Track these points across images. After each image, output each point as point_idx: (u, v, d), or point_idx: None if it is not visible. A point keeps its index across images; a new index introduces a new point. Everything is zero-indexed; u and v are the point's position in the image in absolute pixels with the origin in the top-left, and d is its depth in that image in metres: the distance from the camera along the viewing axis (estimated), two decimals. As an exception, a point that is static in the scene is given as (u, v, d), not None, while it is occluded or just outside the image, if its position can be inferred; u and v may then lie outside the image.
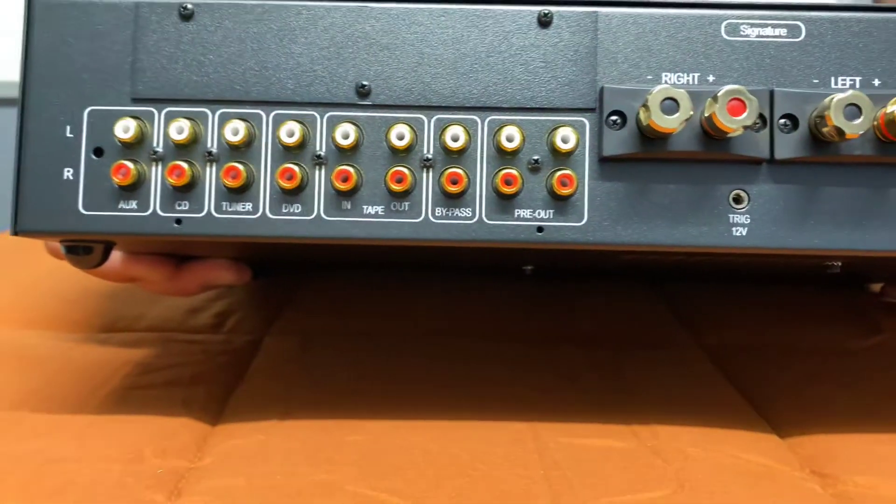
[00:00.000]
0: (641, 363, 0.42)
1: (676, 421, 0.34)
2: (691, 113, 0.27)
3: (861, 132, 0.26)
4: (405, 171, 0.28)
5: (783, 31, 0.29)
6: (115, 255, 0.39)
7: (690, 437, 0.33)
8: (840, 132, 0.26)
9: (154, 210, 0.29)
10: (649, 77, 0.29)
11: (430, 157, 0.29)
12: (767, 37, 0.29)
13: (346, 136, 0.28)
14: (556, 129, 0.29)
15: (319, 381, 0.39)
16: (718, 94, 0.26)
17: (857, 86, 0.29)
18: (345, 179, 0.28)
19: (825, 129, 0.27)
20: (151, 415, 0.35)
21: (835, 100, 0.26)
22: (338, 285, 0.52)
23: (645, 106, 0.27)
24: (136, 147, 0.29)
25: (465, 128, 0.29)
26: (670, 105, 0.26)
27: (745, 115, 0.26)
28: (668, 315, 0.50)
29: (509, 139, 0.28)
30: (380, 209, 0.29)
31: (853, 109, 0.26)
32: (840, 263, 0.33)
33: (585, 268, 0.47)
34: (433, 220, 0.29)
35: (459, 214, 0.29)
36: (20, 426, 0.34)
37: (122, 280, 0.40)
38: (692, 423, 0.34)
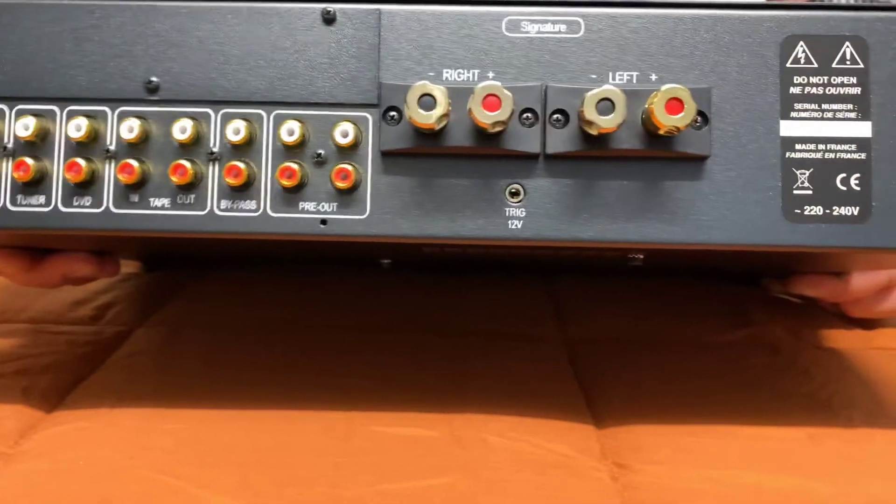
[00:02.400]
0: (494, 355, 0.42)
1: (497, 410, 0.35)
2: (449, 108, 0.27)
3: (615, 126, 0.27)
4: (186, 164, 0.29)
5: (563, 27, 0.29)
6: (-27, 249, 0.40)
7: (499, 426, 0.34)
8: (594, 125, 0.27)
9: (-51, 202, 0.30)
10: (431, 74, 0.29)
11: (215, 150, 0.29)
12: (547, 33, 0.29)
13: (130, 130, 0.29)
14: (337, 123, 0.29)
15: (166, 372, 0.40)
16: (475, 90, 0.27)
17: (635, 81, 0.29)
18: (129, 172, 0.29)
19: (583, 124, 0.27)
20: (-12, 401, 0.36)
21: (588, 95, 0.27)
22: (228, 280, 0.53)
23: (406, 102, 0.27)
24: (-64, 141, 0.30)
25: (249, 122, 0.29)
26: (428, 101, 0.27)
27: (499, 111, 0.27)
28: (549, 309, 0.50)
29: (290, 133, 0.29)
30: (166, 202, 0.30)
31: (606, 104, 0.27)
32: (641, 256, 0.33)
33: (465, 261, 0.48)
34: (218, 212, 0.29)
35: (244, 207, 0.29)
36: None
37: (-17, 272, 0.41)
38: (511, 412, 0.35)
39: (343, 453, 0.32)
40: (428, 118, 0.27)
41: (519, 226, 0.29)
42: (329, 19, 0.30)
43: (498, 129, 0.27)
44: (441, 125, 0.27)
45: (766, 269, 0.49)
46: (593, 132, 0.27)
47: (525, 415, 0.35)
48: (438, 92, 0.27)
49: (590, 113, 0.27)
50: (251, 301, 0.50)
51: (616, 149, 0.28)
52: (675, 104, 0.27)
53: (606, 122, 0.27)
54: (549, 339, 0.46)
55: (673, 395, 0.38)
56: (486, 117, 0.27)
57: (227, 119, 0.29)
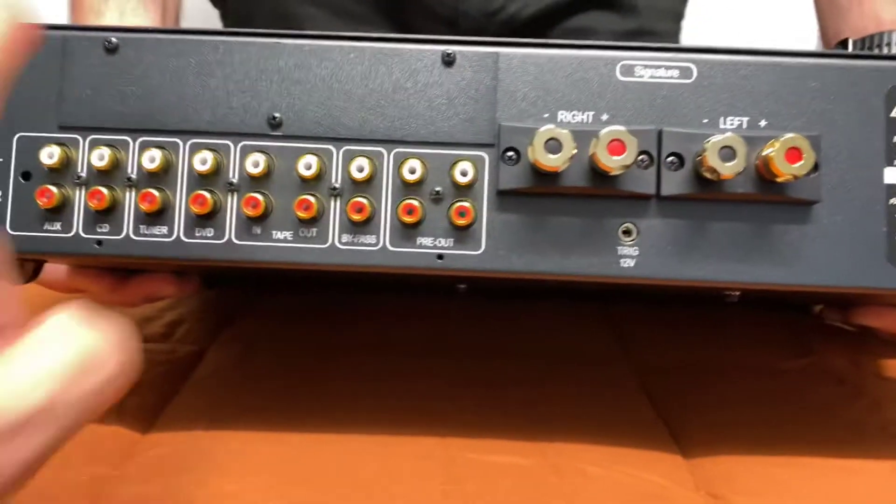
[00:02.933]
0: (568, 380, 0.43)
1: (585, 439, 0.36)
2: (574, 152, 0.28)
3: (735, 173, 0.28)
4: (311, 199, 0.30)
5: (675, 73, 0.30)
6: (62, 268, 0.41)
7: (593, 456, 0.35)
8: (716, 172, 0.28)
9: (77, 232, 0.30)
10: (546, 115, 0.30)
11: (337, 186, 0.30)
12: (660, 78, 0.30)
13: (256, 165, 0.30)
14: (456, 162, 0.30)
15: (251, 392, 0.41)
16: (600, 134, 0.28)
17: (745, 126, 0.30)
18: (254, 206, 0.30)
19: (703, 169, 0.28)
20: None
21: (711, 142, 0.28)
22: (289, 298, 0.54)
23: (531, 144, 0.28)
24: (61, 172, 0.31)
25: (370, 159, 0.30)
26: (554, 145, 0.28)
27: (624, 155, 0.28)
28: (609, 335, 0.51)
29: (411, 171, 0.30)
30: (288, 234, 0.30)
31: (728, 152, 0.28)
32: (738, 293, 0.34)
33: (529, 288, 0.49)
34: (339, 245, 0.30)
35: (364, 241, 0.30)
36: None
37: (67, 291, 0.42)
38: (600, 441, 0.36)
39: (447, 480, 0.32)
40: (554, 161, 0.28)
41: (631, 264, 0.30)
42: (449, 61, 0.31)
43: (620, 172, 0.28)
44: (564, 167, 0.28)
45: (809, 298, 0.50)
46: (713, 178, 0.28)
47: (613, 443, 0.36)
48: (564, 136, 0.28)
49: (712, 160, 0.28)
50: (318, 322, 0.51)
51: (730, 192, 0.29)
52: (794, 153, 0.28)
53: (728, 170, 0.28)
54: (617, 365, 0.46)
55: (751, 425, 0.39)
56: (611, 161, 0.28)
57: (349, 156, 0.30)
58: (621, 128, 0.28)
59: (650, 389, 0.43)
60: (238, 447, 0.35)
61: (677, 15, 0.76)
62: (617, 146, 0.28)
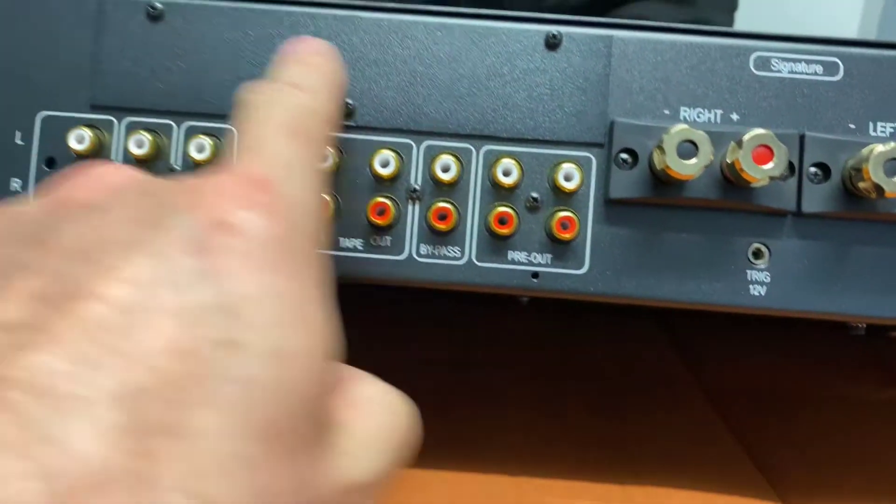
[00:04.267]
0: (640, 407, 0.39)
1: (673, 481, 0.32)
2: (712, 158, 0.23)
3: (902, 190, 0.23)
4: (387, 202, 0.25)
5: (819, 69, 0.26)
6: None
7: (683, 500, 0.30)
8: (879, 189, 0.23)
9: (108, 230, 0.26)
10: (666, 111, 0.26)
11: (417, 187, 0.26)
12: (801, 73, 0.26)
13: (323, 160, 0.25)
14: (559, 164, 0.26)
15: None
16: (744, 139, 0.23)
17: (900, 133, 0.26)
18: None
19: (861, 184, 0.24)
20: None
21: (875, 152, 0.23)
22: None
23: (660, 147, 0.24)
24: (92, 158, 0.26)
25: (457, 157, 0.26)
26: (689, 148, 0.23)
27: (771, 164, 0.23)
28: (673, 353, 0.47)
29: (506, 173, 0.25)
30: (358, 243, 0.26)
31: (894, 164, 0.23)
32: (864, 325, 0.30)
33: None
34: (417, 258, 0.26)
35: (447, 254, 0.26)
36: None
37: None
38: (691, 486, 0.32)
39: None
40: (689, 169, 0.23)
41: (762, 292, 0.25)
42: (554, 44, 0.26)
43: (764, 183, 0.24)
44: (698, 175, 0.24)
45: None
46: (871, 195, 0.24)
47: (702, 485, 0.32)
48: (702, 139, 0.23)
49: (876, 174, 0.23)
50: (377, 332, 0.46)
51: (886, 213, 0.25)
52: (973, 169, 0.23)
53: (894, 186, 0.23)
54: (687, 386, 0.42)
55: (854, 465, 0.34)
56: (757, 172, 0.23)
57: (432, 153, 0.26)
58: (768, 132, 0.23)
59: (727, 415, 0.39)
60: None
61: (732, 4, 0.71)
62: (763, 153, 0.23)
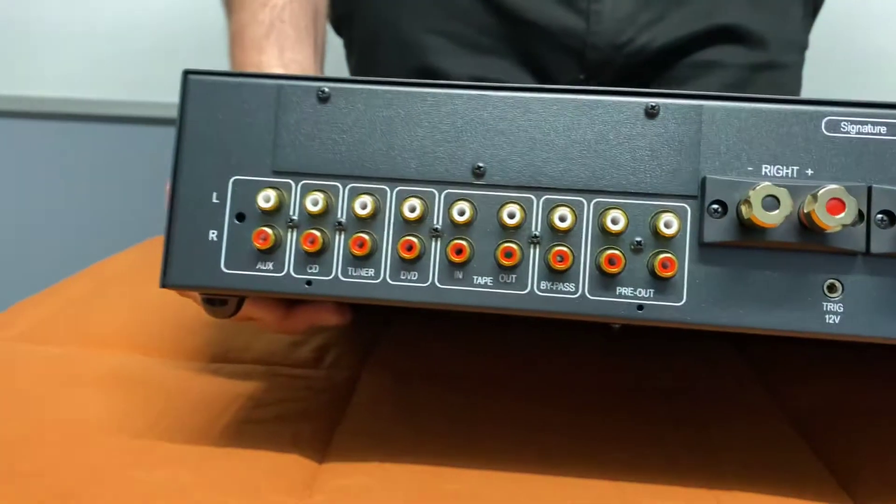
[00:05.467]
0: (721, 422, 0.43)
1: (758, 489, 0.36)
2: (791, 210, 0.28)
3: (958, 234, 0.28)
4: (514, 246, 0.31)
5: (883, 129, 0.30)
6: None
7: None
8: (937, 233, 0.28)
9: (288, 272, 0.32)
10: (750, 168, 0.31)
11: (537, 234, 0.31)
12: (867, 134, 0.30)
13: (462, 213, 0.31)
14: (659, 213, 0.31)
15: (413, 424, 0.41)
16: (819, 193, 0.28)
17: (957, 184, 0.30)
18: (459, 252, 0.31)
19: (923, 229, 0.28)
20: (263, 450, 0.38)
21: (930, 202, 0.28)
22: (423, 325, 0.55)
23: (747, 201, 0.28)
24: (274, 214, 0.32)
25: (571, 209, 0.31)
26: (771, 202, 0.28)
27: (843, 214, 0.28)
28: (750, 372, 0.51)
29: (614, 222, 0.30)
30: (489, 280, 0.31)
31: (951, 212, 0.28)
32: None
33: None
34: (538, 293, 0.31)
35: (563, 289, 0.31)
36: (149, 454, 0.37)
37: (240, 319, 0.43)
38: (773, 491, 0.36)
39: (634, 528, 0.33)
40: (772, 219, 0.28)
41: (836, 321, 0.30)
42: (653, 113, 0.31)
43: (837, 230, 0.28)
44: (779, 224, 0.28)
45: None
46: (931, 238, 0.28)
47: (785, 494, 0.36)
48: (783, 194, 0.28)
49: (933, 221, 0.27)
50: (459, 351, 0.52)
51: (945, 252, 0.29)
52: None
53: (950, 230, 0.27)
54: (766, 406, 0.46)
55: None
56: (831, 220, 0.28)
57: (549, 205, 0.31)
58: (840, 186, 0.28)
59: (806, 433, 0.42)
60: (417, 481, 0.35)
61: (802, 46, 0.75)
62: (836, 205, 0.28)
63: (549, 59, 0.68)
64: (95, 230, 1.20)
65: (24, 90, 1.21)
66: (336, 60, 0.81)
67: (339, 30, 0.78)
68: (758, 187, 0.28)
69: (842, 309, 0.30)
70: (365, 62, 0.74)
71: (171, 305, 0.55)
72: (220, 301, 0.35)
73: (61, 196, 1.24)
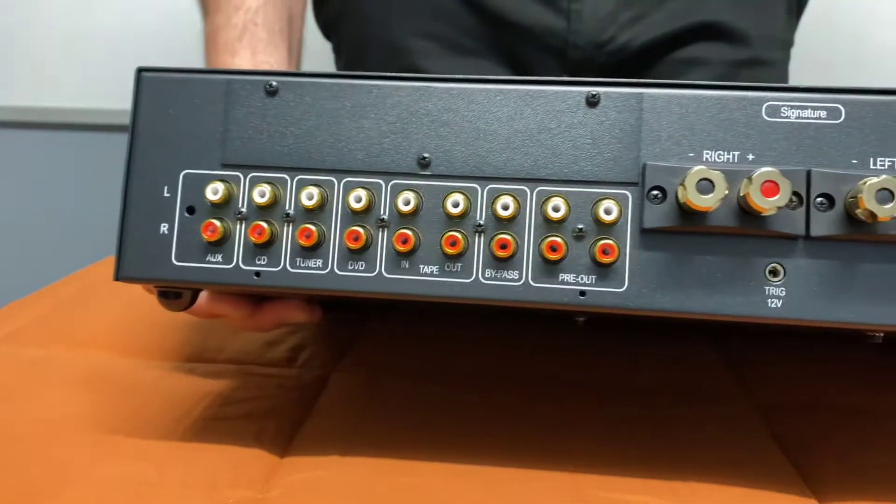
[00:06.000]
0: (691, 419, 0.43)
1: (717, 480, 0.36)
2: (726, 192, 0.28)
3: (892, 216, 0.27)
4: (458, 235, 0.31)
5: (823, 113, 0.30)
6: (202, 294, 0.43)
7: (725, 497, 0.34)
8: (872, 215, 0.28)
9: (237, 264, 0.32)
10: (691, 154, 0.31)
11: (482, 223, 0.31)
12: (807, 118, 0.30)
13: (407, 203, 0.31)
14: (599, 200, 0.31)
15: (380, 419, 0.42)
16: (753, 176, 0.28)
17: (896, 167, 0.30)
18: (404, 241, 0.31)
19: (858, 211, 0.28)
20: (227, 445, 0.38)
21: (867, 184, 0.28)
22: (401, 323, 0.55)
23: (682, 185, 0.29)
24: (223, 207, 0.33)
25: (514, 197, 0.31)
26: (706, 185, 0.28)
27: (777, 196, 0.28)
28: (724, 370, 0.51)
29: (556, 209, 0.31)
30: (435, 269, 0.31)
31: (885, 194, 0.27)
32: (882, 334, 0.33)
33: (642, 321, 0.48)
34: (483, 280, 0.31)
35: (507, 277, 0.31)
36: (118, 449, 0.38)
37: (206, 317, 0.44)
38: (732, 483, 0.35)
39: (583, 517, 0.33)
40: (706, 202, 0.28)
41: (778, 305, 0.30)
42: (593, 102, 0.31)
43: (772, 213, 0.28)
44: (716, 207, 0.29)
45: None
46: (868, 220, 0.28)
47: (744, 485, 0.35)
48: (717, 177, 0.28)
49: (869, 202, 0.27)
50: (436, 347, 0.52)
51: (883, 234, 0.29)
52: (956, 195, 0.27)
53: (885, 212, 0.27)
54: (738, 403, 0.46)
55: (893, 472, 0.37)
56: (765, 203, 0.28)
57: (493, 195, 0.31)
58: (774, 169, 0.28)
59: (773, 429, 0.42)
60: (371, 474, 0.36)
61: (787, 43, 0.75)
62: (770, 187, 0.28)
63: (532, 58, 0.68)
64: (86, 235, 1.22)
65: (14, 101, 1.24)
66: (328, 66, 0.82)
67: (327, 34, 0.79)
68: (692, 171, 0.28)
69: (784, 293, 0.30)
70: (353, 66, 0.75)
71: (156, 308, 0.55)
72: (174, 294, 0.35)
73: (54, 202, 1.28)
